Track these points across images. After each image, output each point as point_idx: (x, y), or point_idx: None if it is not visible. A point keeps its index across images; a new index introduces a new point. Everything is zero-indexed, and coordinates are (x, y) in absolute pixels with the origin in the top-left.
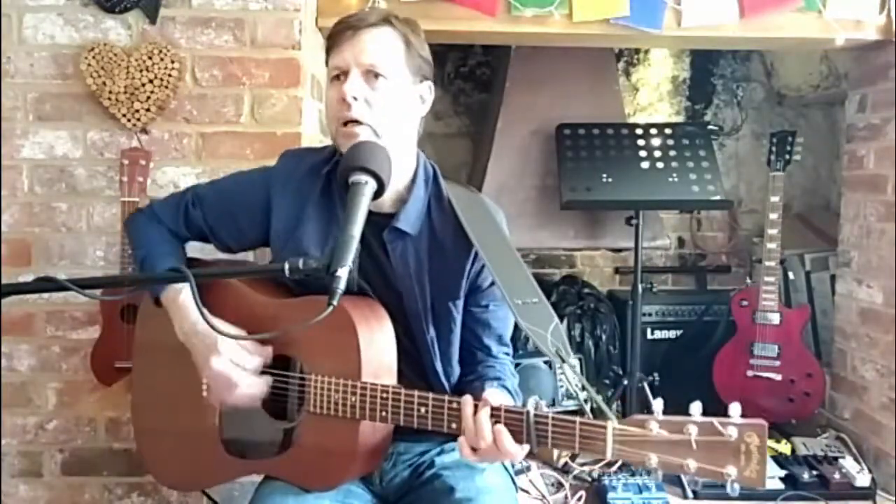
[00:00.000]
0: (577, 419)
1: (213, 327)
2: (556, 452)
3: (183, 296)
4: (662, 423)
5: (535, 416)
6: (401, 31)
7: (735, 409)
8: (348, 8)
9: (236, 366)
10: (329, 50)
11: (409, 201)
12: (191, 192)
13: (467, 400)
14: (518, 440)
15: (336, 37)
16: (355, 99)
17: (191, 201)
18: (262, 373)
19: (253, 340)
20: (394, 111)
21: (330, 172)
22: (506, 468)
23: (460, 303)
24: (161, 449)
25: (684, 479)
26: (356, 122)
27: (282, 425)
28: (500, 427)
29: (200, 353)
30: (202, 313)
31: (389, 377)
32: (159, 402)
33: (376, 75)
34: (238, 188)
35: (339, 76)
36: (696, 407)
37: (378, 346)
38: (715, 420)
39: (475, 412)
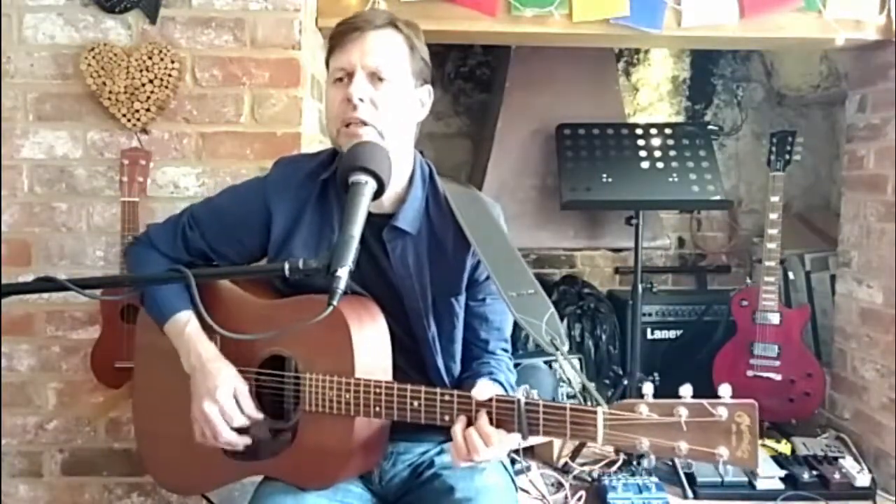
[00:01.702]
0: (567, 404)
1: (215, 331)
2: (556, 451)
3: (189, 328)
4: (652, 406)
5: (526, 403)
6: (405, 34)
7: (725, 389)
8: (348, 8)
9: (224, 416)
10: (332, 50)
11: (407, 201)
12: (186, 214)
13: (461, 419)
14: (509, 429)
15: (340, 37)
16: (361, 101)
17: (187, 224)
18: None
19: (250, 401)
20: (397, 114)
21: (327, 179)
22: (505, 468)
23: (462, 298)
24: (161, 451)
25: (683, 479)
26: (362, 122)
27: (279, 425)
28: (480, 412)
29: (198, 389)
30: (204, 316)
31: (383, 374)
32: (159, 404)
33: (381, 78)
34: (234, 203)
35: (343, 77)
36: (686, 389)
37: (371, 343)
38: (705, 401)
39: (466, 426)
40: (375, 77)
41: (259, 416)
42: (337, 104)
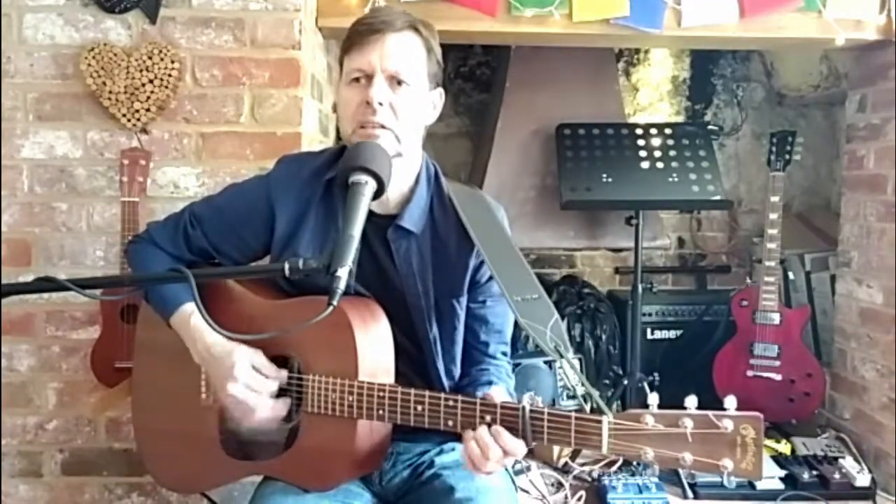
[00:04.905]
0: (573, 413)
1: (214, 330)
2: (556, 452)
3: (194, 318)
4: (658, 416)
5: (531, 411)
6: (424, 36)
7: (730, 401)
8: (348, 8)
9: (252, 391)
10: (348, 50)
11: (412, 201)
12: (188, 212)
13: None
14: (514, 436)
15: (358, 37)
16: (381, 105)
17: (189, 222)
18: (280, 394)
19: (269, 365)
20: (414, 117)
21: (331, 178)
22: (505, 468)
23: (463, 300)
24: (160, 450)
25: (683, 479)
26: (380, 126)
27: (280, 426)
28: (498, 428)
29: (217, 377)
30: (203, 315)
31: (386, 376)
32: (159, 402)
33: (400, 82)
34: (238, 201)
35: (360, 79)
36: (691, 400)
37: (375, 346)
38: (710, 413)
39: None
40: (394, 80)
41: (284, 375)
42: (354, 106)
